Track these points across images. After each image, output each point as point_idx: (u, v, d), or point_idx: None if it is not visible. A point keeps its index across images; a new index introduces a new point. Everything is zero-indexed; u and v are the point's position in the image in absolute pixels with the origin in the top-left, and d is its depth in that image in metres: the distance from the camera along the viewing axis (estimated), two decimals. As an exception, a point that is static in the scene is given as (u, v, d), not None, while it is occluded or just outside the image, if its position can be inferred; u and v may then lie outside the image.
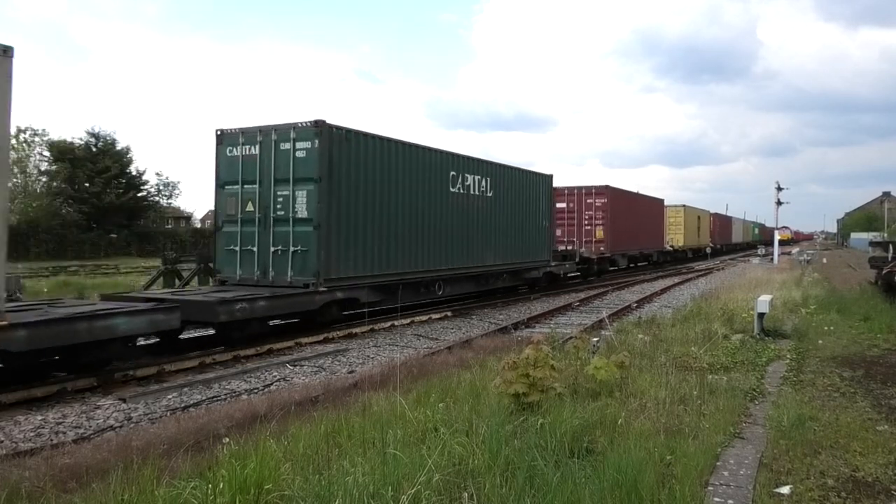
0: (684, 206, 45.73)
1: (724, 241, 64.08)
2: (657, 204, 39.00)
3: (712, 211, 58.15)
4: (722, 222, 62.67)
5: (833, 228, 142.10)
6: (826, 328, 11.69)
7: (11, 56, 7.68)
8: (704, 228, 52.25)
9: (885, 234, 62.04)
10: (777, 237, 43.04)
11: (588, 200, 29.23)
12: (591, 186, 29.51)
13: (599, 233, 28.75)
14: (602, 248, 28.65)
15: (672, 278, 29.18)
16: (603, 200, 29.15)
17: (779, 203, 40.43)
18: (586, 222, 29.04)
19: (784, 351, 9.60)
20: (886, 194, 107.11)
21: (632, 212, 32.28)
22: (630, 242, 32.18)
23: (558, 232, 27.24)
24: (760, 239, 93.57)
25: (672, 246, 42.95)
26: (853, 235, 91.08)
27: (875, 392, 7.13)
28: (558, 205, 27.16)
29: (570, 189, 29.42)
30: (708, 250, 53.33)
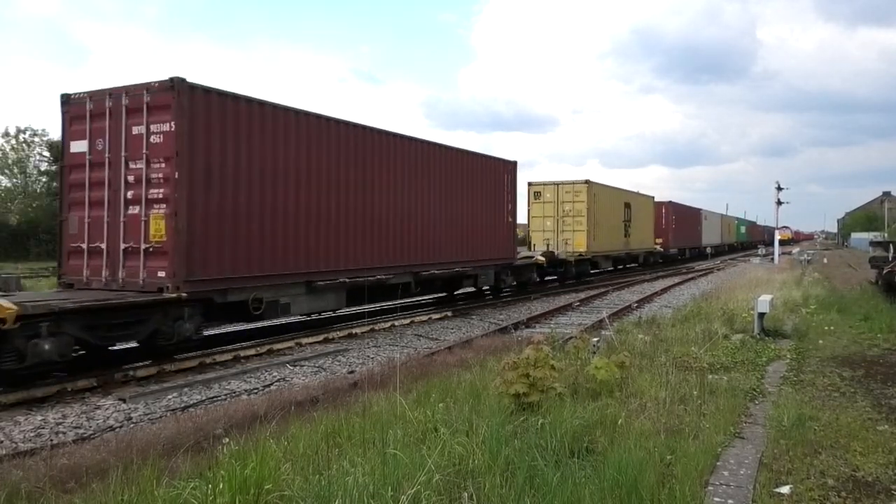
0: (588, 181, 26.16)
1: (689, 243, 46.58)
2: (486, 166, 18.27)
3: (661, 199, 40.15)
4: (682, 216, 44.20)
5: (833, 228, 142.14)
6: (826, 328, 11.68)
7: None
8: (644, 223, 34.25)
9: (886, 234, 61.98)
10: (777, 237, 43.04)
11: (134, 128, 10.14)
12: (144, 85, 9.97)
13: (157, 226, 9.86)
14: (163, 273, 9.71)
15: (672, 278, 29.17)
16: (165, 126, 9.86)
17: (779, 203, 40.44)
18: (126, 190, 10.22)
19: (784, 351, 9.60)
20: (886, 194, 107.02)
21: (349, 165, 13.12)
22: (342, 253, 12.91)
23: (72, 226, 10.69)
24: (748, 239, 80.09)
25: (556, 252, 24.36)
26: (853, 235, 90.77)
27: (875, 392, 7.12)
28: (75, 146, 10.70)
29: (102, 97, 10.41)
30: (709, 250, 52.46)
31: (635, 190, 35.69)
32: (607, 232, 28.47)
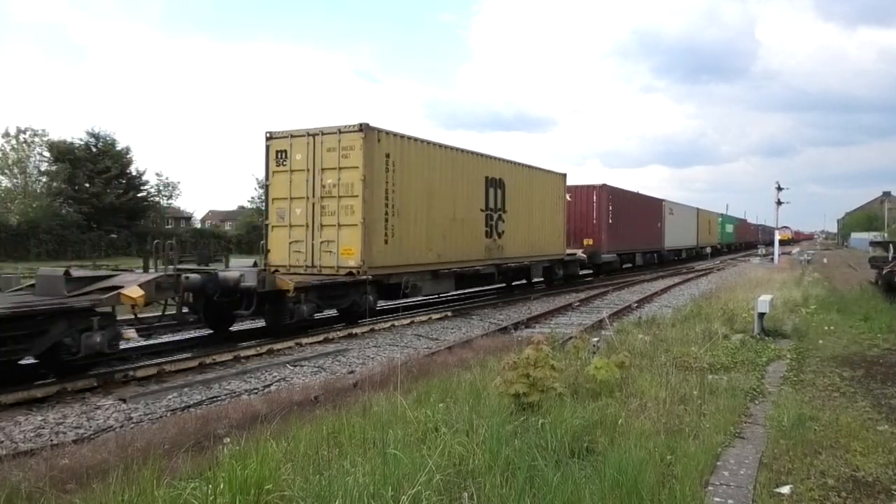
0: (366, 126, 13.45)
1: (642, 245, 34.24)
2: None
3: (600, 184, 28.25)
4: (628, 207, 31.20)
5: (833, 228, 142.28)
6: (826, 328, 11.69)
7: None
8: (541, 215, 21.61)
9: (886, 234, 62.01)
10: (777, 237, 43.06)
11: None
12: None
13: None
14: None
15: (672, 278, 29.16)
16: None
17: (779, 203, 40.50)
18: None
19: (784, 351, 9.60)
20: (886, 194, 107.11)
21: None
22: None
23: None
24: (737, 240, 68.65)
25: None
26: (853, 235, 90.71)
27: (875, 392, 7.13)
28: None
29: None
30: (708, 250, 52.23)
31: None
32: (432, 228, 15.48)
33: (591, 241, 27.16)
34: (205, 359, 10.32)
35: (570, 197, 25.52)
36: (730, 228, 65.06)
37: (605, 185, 28.34)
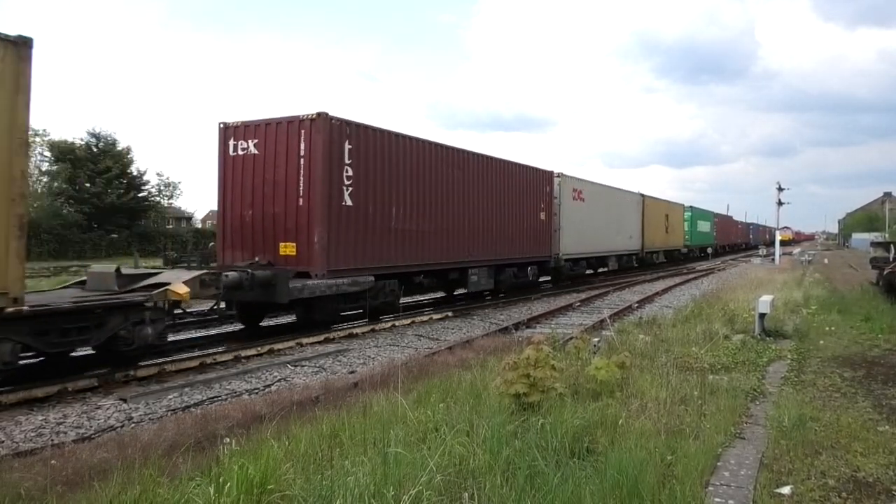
0: None
1: (498, 253, 18.61)
2: None
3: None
4: (431, 172, 15.39)
5: (834, 229, 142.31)
6: (827, 328, 11.68)
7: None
8: None
9: (887, 235, 61.92)
10: (778, 237, 43.08)
11: None
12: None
13: None
14: None
15: (673, 278, 29.15)
16: None
17: (780, 203, 40.50)
18: None
19: (785, 351, 9.60)
20: (888, 195, 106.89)
21: None
22: None
23: None
24: (718, 241, 54.85)
25: None
26: (854, 236, 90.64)
27: (876, 392, 7.12)
28: None
29: None
30: (709, 250, 52.08)
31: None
32: None
33: (291, 248, 12.83)
34: (205, 358, 10.33)
35: (253, 147, 13.23)
36: (705, 227, 49.72)
37: (326, 117, 12.65)
